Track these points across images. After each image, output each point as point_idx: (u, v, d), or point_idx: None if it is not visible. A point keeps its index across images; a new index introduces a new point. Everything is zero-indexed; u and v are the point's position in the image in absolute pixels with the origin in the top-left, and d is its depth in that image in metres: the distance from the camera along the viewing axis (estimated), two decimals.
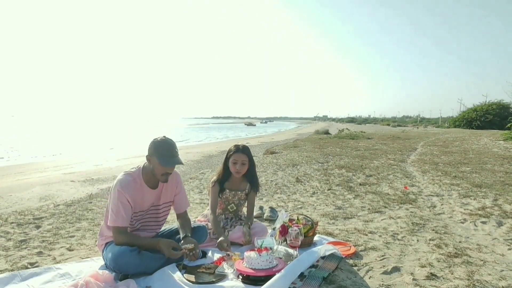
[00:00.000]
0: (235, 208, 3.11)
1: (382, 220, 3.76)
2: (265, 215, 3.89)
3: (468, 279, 2.30)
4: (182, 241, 2.46)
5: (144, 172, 2.46)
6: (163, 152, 2.34)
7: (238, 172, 2.98)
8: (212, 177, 3.13)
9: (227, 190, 3.06)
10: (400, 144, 14.37)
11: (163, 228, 2.81)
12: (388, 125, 61.18)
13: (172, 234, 2.67)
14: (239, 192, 3.09)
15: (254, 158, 3.18)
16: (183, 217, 2.70)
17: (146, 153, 2.42)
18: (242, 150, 2.98)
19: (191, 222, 2.79)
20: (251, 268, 2.26)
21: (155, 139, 2.41)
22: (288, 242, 2.56)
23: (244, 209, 3.23)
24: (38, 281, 2.25)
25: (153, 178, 2.48)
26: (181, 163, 2.37)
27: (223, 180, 3.05)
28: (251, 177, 3.08)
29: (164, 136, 2.43)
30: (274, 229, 2.87)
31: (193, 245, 2.39)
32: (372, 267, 2.52)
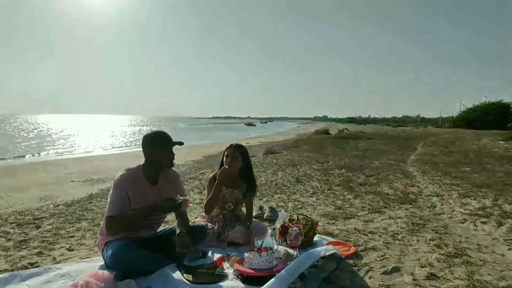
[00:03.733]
0: (232, 207, 3.10)
1: (382, 220, 3.76)
2: (265, 215, 3.89)
3: (468, 279, 2.30)
4: (176, 237, 2.46)
5: (144, 167, 2.51)
6: (162, 139, 2.48)
7: (229, 166, 2.99)
8: (209, 175, 3.16)
9: (224, 188, 3.05)
10: (400, 144, 14.38)
11: (162, 227, 2.82)
12: (388, 125, 61.17)
13: (172, 233, 2.67)
14: (236, 191, 3.09)
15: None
16: (181, 216, 2.70)
17: (143, 152, 2.51)
18: (234, 146, 3.06)
19: (191, 222, 2.80)
20: (251, 268, 2.26)
21: (146, 134, 2.53)
22: (288, 242, 2.56)
23: (243, 210, 3.23)
24: (38, 281, 2.25)
25: (153, 173, 2.52)
26: (182, 143, 2.55)
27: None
28: (246, 176, 3.10)
29: (152, 130, 2.60)
30: (274, 229, 2.87)
31: (187, 197, 2.43)
32: (372, 267, 2.51)
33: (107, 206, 2.37)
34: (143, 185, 2.46)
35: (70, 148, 21.02)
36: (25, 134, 34.97)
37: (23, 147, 21.39)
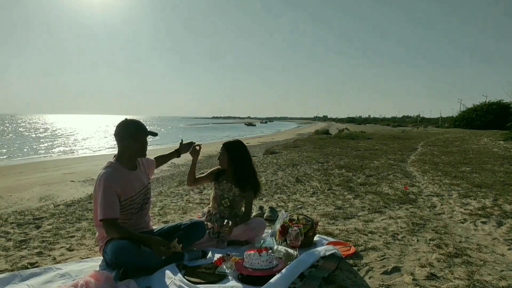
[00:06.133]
0: (229, 203, 3.07)
1: (382, 220, 3.76)
2: (265, 215, 3.89)
3: (468, 279, 2.30)
4: (174, 241, 2.46)
5: (120, 159, 2.53)
6: (142, 129, 2.53)
7: (219, 162, 3.10)
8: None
9: (224, 181, 3.10)
10: (400, 144, 14.38)
11: (161, 226, 2.86)
12: (388, 125, 61.19)
13: (170, 232, 2.68)
14: (234, 187, 3.07)
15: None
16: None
17: (118, 141, 2.52)
18: (224, 143, 3.13)
19: (191, 219, 2.93)
20: (251, 268, 2.26)
21: (120, 125, 2.51)
22: (288, 242, 2.56)
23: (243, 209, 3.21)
24: (38, 281, 2.25)
25: (129, 160, 2.56)
26: (156, 133, 2.68)
27: (223, 173, 3.16)
28: (236, 172, 3.06)
29: (125, 119, 2.58)
30: (274, 231, 2.87)
31: (181, 246, 2.37)
32: (372, 267, 2.51)
33: (100, 208, 2.35)
34: (126, 175, 2.50)
35: (82, 148, 21.31)
36: (40, 134, 35.37)
37: (43, 147, 21.80)
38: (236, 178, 3.07)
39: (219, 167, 3.18)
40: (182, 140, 3.20)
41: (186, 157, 3.13)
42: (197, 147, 3.11)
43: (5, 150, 19.17)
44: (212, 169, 3.26)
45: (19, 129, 47.29)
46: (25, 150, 19.76)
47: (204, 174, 3.27)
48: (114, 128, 2.53)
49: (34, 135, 34.20)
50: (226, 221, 2.80)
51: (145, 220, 2.68)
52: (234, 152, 3.07)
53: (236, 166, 3.06)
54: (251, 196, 3.10)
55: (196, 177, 3.20)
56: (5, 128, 48.31)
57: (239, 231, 2.89)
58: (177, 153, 3.11)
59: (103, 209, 2.33)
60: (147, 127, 2.60)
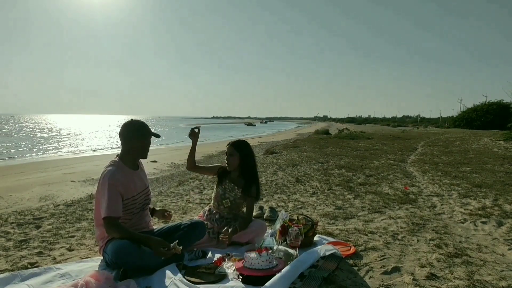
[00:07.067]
0: (229, 204, 3.04)
1: (382, 220, 3.76)
2: (265, 215, 3.89)
3: (468, 279, 2.30)
4: (174, 243, 2.45)
5: (123, 159, 2.54)
6: (146, 130, 2.53)
7: (227, 164, 3.03)
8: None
9: (228, 181, 3.06)
10: (400, 144, 14.38)
11: (161, 226, 2.86)
12: (388, 125, 61.23)
13: (170, 232, 2.68)
14: (236, 188, 3.05)
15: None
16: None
17: (122, 141, 2.54)
18: (232, 143, 3.06)
19: (191, 219, 2.94)
20: (251, 268, 2.26)
21: (126, 125, 2.52)
22: (288, 242, 2.56)
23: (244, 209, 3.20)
24: (38, 281, 2.25)
25: (132, 159, 2.57)
26: (159, 135, 2.68)
27: (227, 172, 3.10)
28: (245, 172, 3.03)
29: (131, 119, 2.59)
30: (274, 231, 2.87)
31: (181, 247, 2.35)
32: (372, 267, 2.52)
33: (103, 206, 2.35)
34: (129, 175, 2.51)
35: (89, 148, 21.40)
36: (45, 135, 35.47)
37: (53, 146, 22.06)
38: (242, 180, 3.03)
39: (224, 165, 3.11)
40: (163, 209, 2.96)
41: (186, 157, 3.12)
42: (196, 130, 3.03)
43: (14, 151, 19.18)
44: (218, 165, 3.23)
45: (24, 129, 47.34)
46: (35, 150, 19.83)
47: (209, 166, 3.23)
48: (119, 128, 2.54)
49: (39, 135, 34.26)
50: (225, 228, 2.79)
51: (146, 220, 2.69)
52: (244, 152, 3.03)
53: (245, 166, 3.02)
54: (253, 201, 3.05)
55: (200, 165, 3.17)
56: (10, 128, 48.40)
57: (239, 234, 2.88)
58: (150, 212, 2.87)
59: (106, 207, 2.33)
60: None
